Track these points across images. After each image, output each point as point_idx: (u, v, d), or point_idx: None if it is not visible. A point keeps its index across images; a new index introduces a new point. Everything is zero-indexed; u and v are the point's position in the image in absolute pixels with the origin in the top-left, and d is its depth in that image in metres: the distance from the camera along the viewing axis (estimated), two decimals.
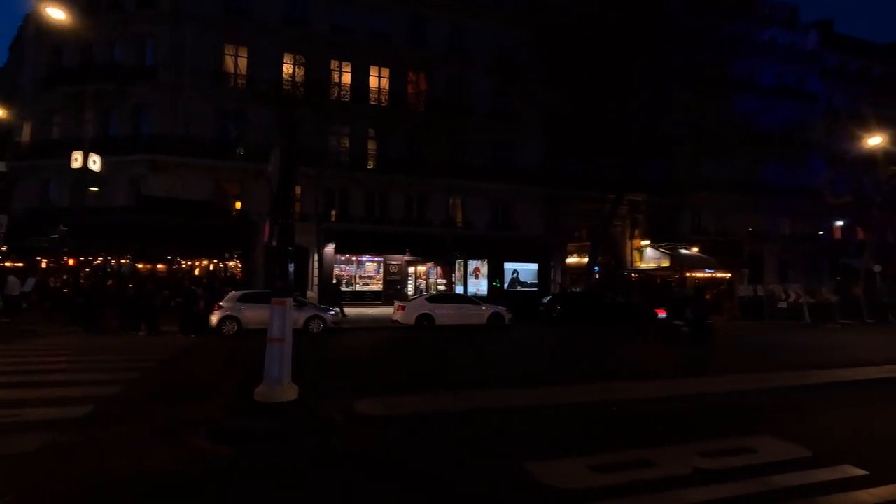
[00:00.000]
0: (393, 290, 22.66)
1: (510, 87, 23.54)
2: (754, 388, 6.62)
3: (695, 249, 25.93)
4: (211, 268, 20.89)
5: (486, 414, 5.26)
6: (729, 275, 25.14)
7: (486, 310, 16.09)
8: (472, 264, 23.65)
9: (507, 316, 16.09)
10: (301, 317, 12.73)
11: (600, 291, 20.94)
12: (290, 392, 4.89)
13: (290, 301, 5.10)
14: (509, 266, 23.78)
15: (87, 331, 12.64)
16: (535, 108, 23.21)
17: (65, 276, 16.87)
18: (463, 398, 5.82)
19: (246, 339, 11.53)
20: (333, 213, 22.28)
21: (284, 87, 21.17)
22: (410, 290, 23.45)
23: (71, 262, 16.34)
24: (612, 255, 26.32)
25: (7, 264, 18.04)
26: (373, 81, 23.62)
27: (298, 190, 21.04)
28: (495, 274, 23.55)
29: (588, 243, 23.60)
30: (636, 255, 26.39)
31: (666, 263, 24.70)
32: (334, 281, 20.61)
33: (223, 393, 6.12)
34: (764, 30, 29.02)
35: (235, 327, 12.65)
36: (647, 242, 26.06)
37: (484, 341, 13.11)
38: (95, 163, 15.93)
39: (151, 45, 21.63)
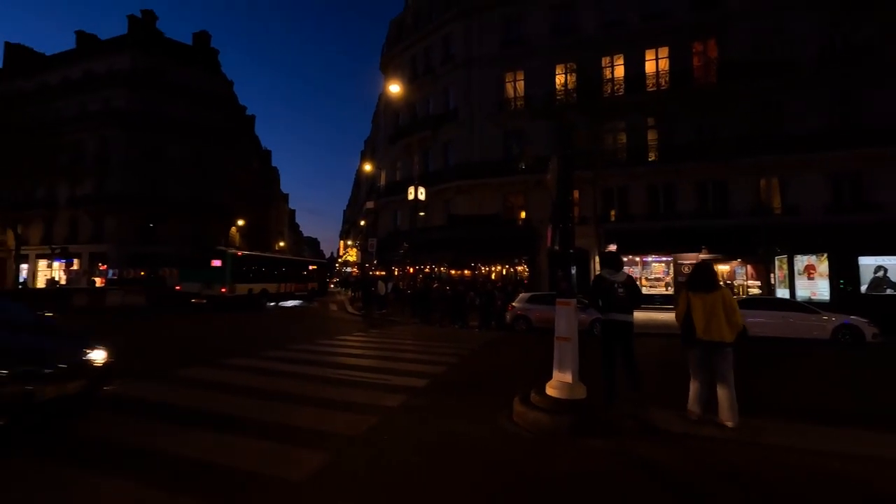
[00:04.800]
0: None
1: (855, 13, 17.26)
2: None
3: None
4: (504, 272, 23.70)
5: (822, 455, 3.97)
6: None
7: (831, 320, 12.09)
8: (801, 260, 18.29)
9: (871, 330, 11.63)
10: (586, 319, 12.84)
11: None
12: (578, 391, 5.01)
13: (574, 302, 5.25)
14: (867, 261, 17.15)
15: (423, 322, 16.50)
16: None
17: (408, 281, 22.55)
18: (792, 430, 4.59)
19: (535, 335, 12.52)
20: (613, 213, 21.61)
21: (558, 97, 22.05)
22: None
23: (410, 270, 21.71)
24: None
25: (377, 273, 25.65)
26: (649, 66, 21.77)
27: (576, 194, 21.46)
28: (842, 272, 17.40)
29: None
30: None
31: None
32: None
33: (519, 383, 6.83)
34: None
35: (526, 325, 13.93)
36: None
37: (828, 362, 9.89)
38: (422, 194, 20.75)
39: (452, 91, 26.53)
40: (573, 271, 5.44)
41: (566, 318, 5.13)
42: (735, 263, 20.04)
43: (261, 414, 4.93)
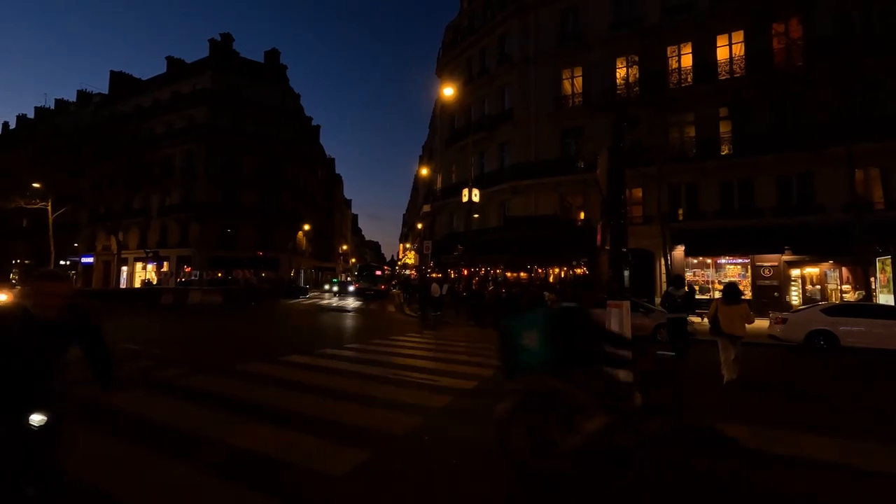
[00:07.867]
0: (767, 297, 18.24)
1: None
2: None
3: None
4: (562, 275, 22.99)
5: None
6: None
7: None
8: None
9: None
10: (650, 324, 12.11)
11: None
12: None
13: (626, 304, 4.94)
14: None
15: (477, 324, 16.39)
16: None
17: (464, 283, 22.56)
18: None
19: None
20: (680, 211, 20.25)
21: (618, 91, 21.02)
22: (795, 299, 18.21)
23: (465, 272, 21.69)
24: None
25: (433, 275, 25.87)
26: (721, 53, 20.18)
27: (639, 192, 20.37)
28: None
29: None
30: None
31: None
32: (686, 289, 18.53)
33: None
34: None
35: None
36: None
37: None
38: (476, 195, 20.69)
39: (508, 91, 26.21)
40: (626, 273, 5.12)
41: (618, 321, 4.83)
42: (826, 266, 17.95)
43: (307, 409, 5.11)
